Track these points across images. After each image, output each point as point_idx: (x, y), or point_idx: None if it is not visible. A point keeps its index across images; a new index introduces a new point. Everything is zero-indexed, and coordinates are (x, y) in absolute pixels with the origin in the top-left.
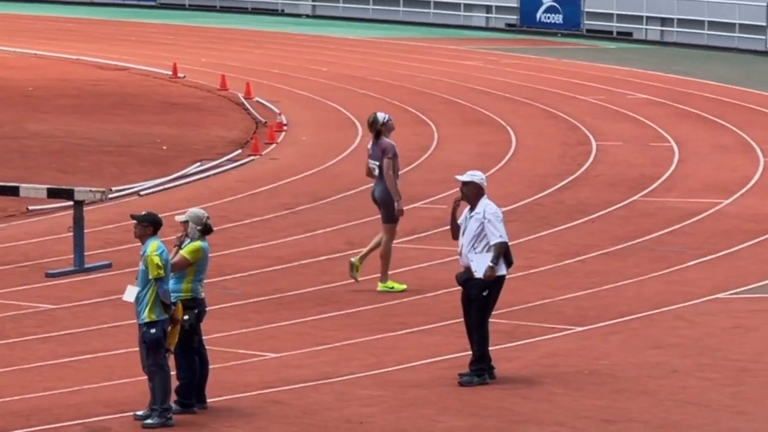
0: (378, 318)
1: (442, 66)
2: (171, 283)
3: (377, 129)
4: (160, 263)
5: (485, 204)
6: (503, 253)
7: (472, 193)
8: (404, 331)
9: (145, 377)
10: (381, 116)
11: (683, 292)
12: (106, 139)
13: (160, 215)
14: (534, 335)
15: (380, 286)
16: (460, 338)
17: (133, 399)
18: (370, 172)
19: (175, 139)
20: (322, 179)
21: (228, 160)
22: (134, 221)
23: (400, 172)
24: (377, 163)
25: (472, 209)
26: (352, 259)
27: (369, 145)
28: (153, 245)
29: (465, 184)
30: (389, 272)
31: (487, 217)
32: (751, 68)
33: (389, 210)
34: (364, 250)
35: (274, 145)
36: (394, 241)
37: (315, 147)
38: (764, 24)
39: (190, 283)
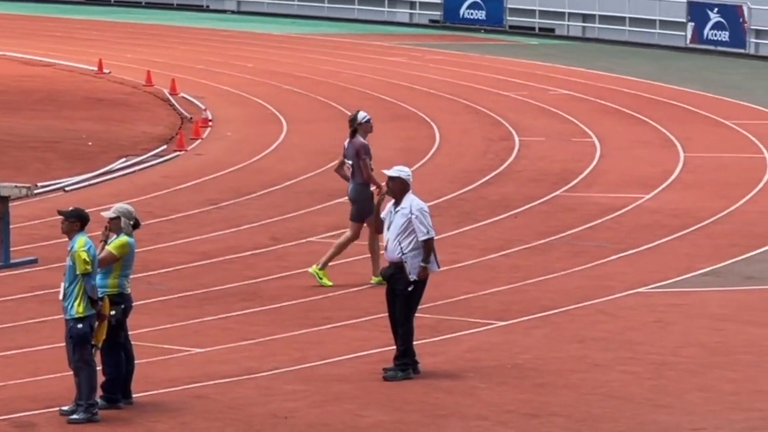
0: (302, 313)
1: (367, 62)
2: (98, 279)
3: (354, 127)
4: (87, 259)
5: (411, 199)
6: (432, 249)
7: (398, 189)
8: (329, 326)
9: (71, 373)
10: (360, 116)
11: (605, 286)
12: (32, 135)
13: (86, 211)
14: (457, 330)
15: (313, 268)
16: (385, 333)
17: (59, 394)
18: (339, 168)
19: (100, 135)
20: (247, 175)
21: (153, 155)
22: (61, 217)
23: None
24: (350, 162)
25: (397, 204)
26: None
27: (345, 143)
28: (80, 241)
29: (391, 179)
30: (329, 264)
31: (414, 213)
32: (671, 64)
33: (359, 208)
34: (325, 256)
35: (199, 141)
36: (321, 236)
37: (240, 142)
38: (684, 20)
39: (116, 279)
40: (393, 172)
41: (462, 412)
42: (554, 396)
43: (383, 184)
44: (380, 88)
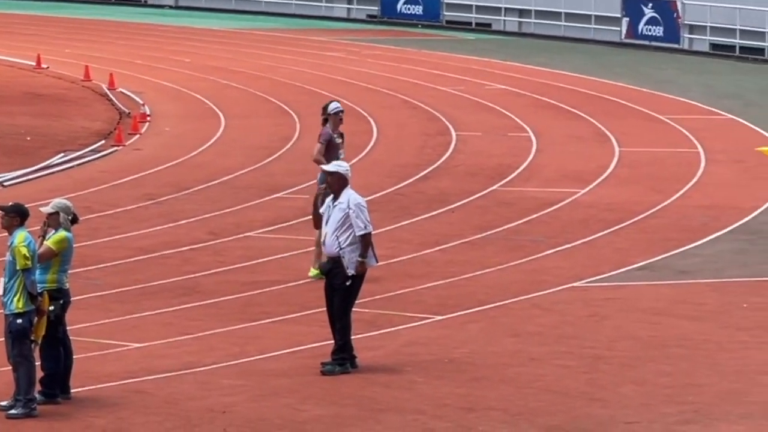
0: (240, 308)
1: (305, 57)
2: (36, 274)
3: (325, 116)
4: (27, 254)
5: (349, 194)
6: (370, 243)
7: (336, 184)
8: (267, 321)
9: (10, 368)
10: (331, 106)
11: (540, 280)
12: None
13: (26, 206)
14: (395, 324)
15: (313, 273)
16: (323, 328)
17: None
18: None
19: (39, 130)
20: (185, 170)
21: (91, 150)
22: (0, 212)
23: (340, 156)
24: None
25: (335, 199)
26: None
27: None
28: (20, 236)
29: (329, 174)
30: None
31: (351, 208)
32: (606, 59)
33: None
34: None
35: (137, 136)
36: (259, 231)
37: (178, 138)
38: (619, 16)
39: (55, 274)
40: (331, 167)
41: (399, 406)
42: (490, 390)
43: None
44: (318, 83)
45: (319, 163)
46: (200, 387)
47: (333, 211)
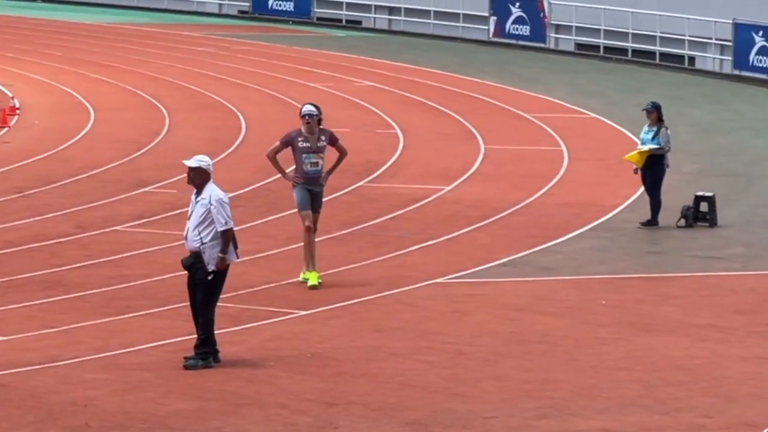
0: (105, 302)
1: (175, 52)
2: None
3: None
4: None
5: (211, 189)
6: (231, 239)
7: (199, 178)
8: (131, 315)
9: None
10: (303, 109)
11: (404, 276)
12: None
13: None
14: (259, 319)
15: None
16: (187, 322)
17: None
18: None
19: None
20: (53, 163)
21: None
22: None
23: (305, 159)
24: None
25: (198, 194)
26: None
27: None
28: None
29: (192, 169)
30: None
31: (213, 203)
32: (474, 57)
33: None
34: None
35: (6, 129)
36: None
37: (47, 131)
38: (487, 15)
39: None
40: (193, 162)
41: (261, 400)
42: (352, 385)
43: (288, 172)
44: (188, 77)
45: (269, 159)
46: (63, 380)
47: (195, 207)
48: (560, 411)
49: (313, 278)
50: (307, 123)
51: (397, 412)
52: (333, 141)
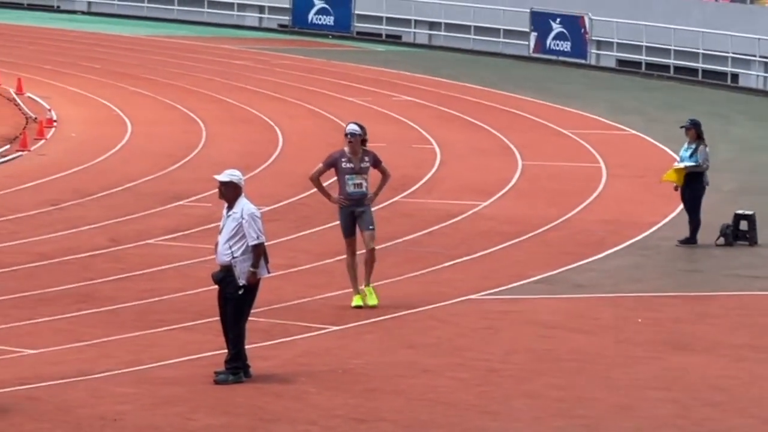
0: (137, 315)
1: (214, 65)
2: None
3: None
4: None
5: (243, 204)
6: (263, 254)
7: (231, 193)
8: (163, 329)
9: None
10: (347, 128)
11: (438, 292)
12: None
13: None
14: (291, 334)
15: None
16: (218, 336)
17: None
18: None
19: None
20: (89, 176)
21: None
22: None
23: (348, 180)
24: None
25: (229, 208)
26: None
27: None
28: None
29: (223, 183)
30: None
31: (245, 217)
32: (513, 73)
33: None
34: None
35: (43, 141)
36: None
37: (84, 143)
38: (527, 30)
39: None
40: (224, 177)
41: (291, 416)
42: (383, 401)
43: (335, 197)
44: (225, 91)
45: (312, 181)
46: (93, 394)
47: (227, 221)
48: (593, 430)
49: (357, 300)
50: (350, 142)
51: (428, 429)
52: (376, 163)
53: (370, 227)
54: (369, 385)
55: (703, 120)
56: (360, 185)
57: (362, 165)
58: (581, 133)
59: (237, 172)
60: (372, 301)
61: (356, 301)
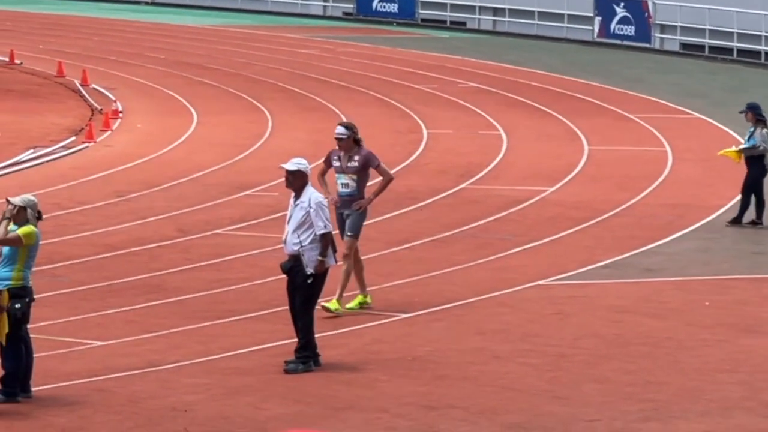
0: (206, 305)
1: (279, 54)
2: (1, 272)
3: None
4: None
5: (310, 193)
6: (330, 243)
7: (298, 181)
8: (232, 319)
9: None
10: (335, 130)
11: (506, 278)
12: None
13: None
14: (360, 323)
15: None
16: (287, 326)
17: None
18: None
19: (9, 126)
20: (155, 166)
21: (62, 147)
22: None
23: (337, 179)
24: None
25: (297, 197)
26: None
27: None
28: None
29: (290, 172)
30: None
31: (312, 206)
32: (578, 58)
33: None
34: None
35: (108, 132)
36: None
37: (150, 134)
38: (591, 15)
39: (20, 272)
40: (291, 165)
41: (361, 404)
42: (453, 388)
43: (332, 197)
44: (292, 80)
45: (316, 178)
46: (163, 385)
47: (294, 210)
48: (663, 414)
49: (333, 304)
50: (336, 140)
51: (498, 415)
52: (366, 163)
53: (349, 234)
54: (439, 372)
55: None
56: (347, 185)
57: (349, 164)
58: (646, 117)
59: (304, 161)
60: (333, 305)
61: (356, 301)
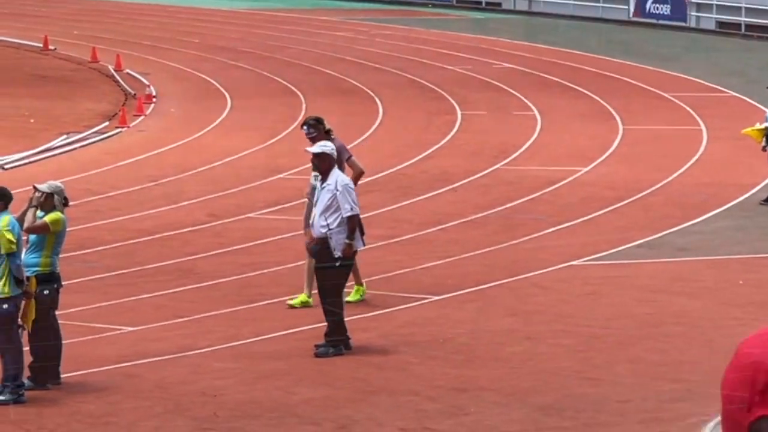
0: (237, 290)
1: (313, 37)
2: (29, 258)
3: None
4: (12, 238)
5: (337, 175)
6: (357, 225)
7: (324, 164)
8: (264, 303)
9: None
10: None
11: (539, 259)
12: None
13: (10, 190)
14: (391, 305)
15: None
16: (317, 309)
17: None
18: None
19: (43, 112)
20: (188, 151)
21: (95, 132)
22: None
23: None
24: None
25: (323, 180)
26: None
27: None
28: (4, 220)
29: (316, 155)
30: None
31: (339, 189)
32: (613, 37)
33: None
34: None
35: (142, 117)
36: (260, 212)
37: (183, 119)
38: None
39: (48, 258)
40: (316, 148)
41: (392, 387)
42: (484, 369)
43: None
44: (326, 62)
45: None
46: (193, 370)
47: (321, 193)
48: (695, 394)
49: (298, 299)
50: (312, 141)
51: (529, 396)
52: (339, 155)
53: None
54: (470, 354)
55: None
56: (317, 177)
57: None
58: (682, 95)
59: (328, 143)
60: (297, 302)
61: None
